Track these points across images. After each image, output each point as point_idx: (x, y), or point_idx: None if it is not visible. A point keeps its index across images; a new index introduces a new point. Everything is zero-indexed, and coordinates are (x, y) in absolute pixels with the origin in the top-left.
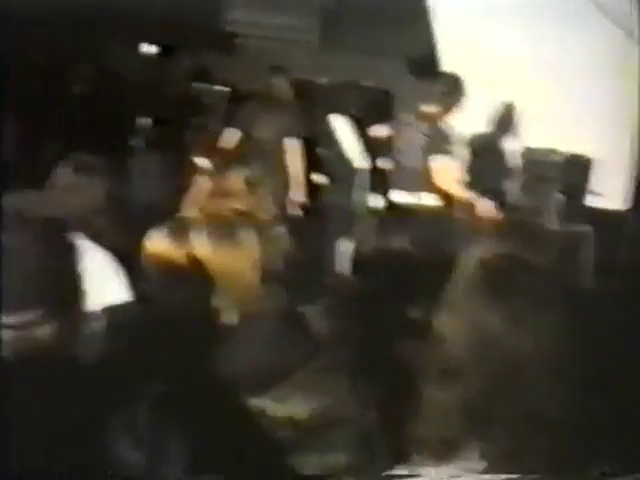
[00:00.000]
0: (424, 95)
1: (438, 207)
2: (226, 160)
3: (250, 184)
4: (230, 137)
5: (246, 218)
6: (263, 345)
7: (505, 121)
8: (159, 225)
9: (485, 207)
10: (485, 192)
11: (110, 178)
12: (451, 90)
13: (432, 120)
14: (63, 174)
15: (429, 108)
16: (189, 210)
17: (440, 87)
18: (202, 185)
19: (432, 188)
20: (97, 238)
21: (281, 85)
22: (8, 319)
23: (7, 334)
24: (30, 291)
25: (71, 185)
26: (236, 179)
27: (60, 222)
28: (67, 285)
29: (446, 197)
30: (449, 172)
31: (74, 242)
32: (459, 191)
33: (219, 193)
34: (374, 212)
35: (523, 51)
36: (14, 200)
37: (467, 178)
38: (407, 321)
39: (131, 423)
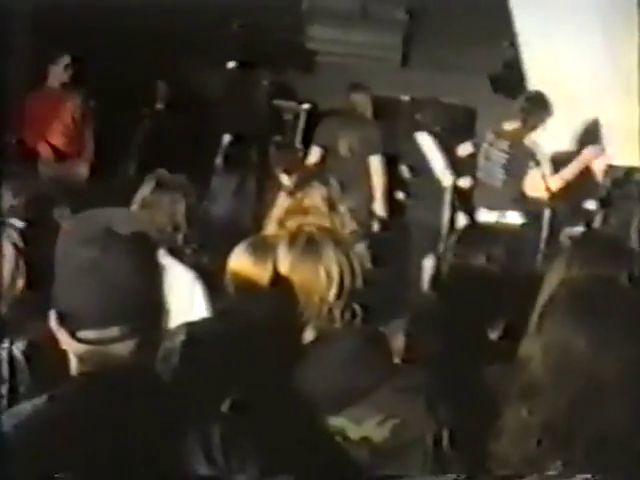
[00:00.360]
0: (507, 113)
1: (521, 224)
2: (306, 177)
3: (329, 201)
4: (311, 154)
5: (327, 234)
6: (341, 364)
7: (590, 138)
8: (242, 242)
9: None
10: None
11: (192, 195)
12: (535, 108)
13: (515, 138)
14: (147, 191)
15: (512, 126)
16: (270, 227)
17: (524, 105)
18: (281, 203)
19: (515, 205)
20: (179, 255)
21: (361, 101)
22: (87, 334)
23: (84, 349)
24: (113, 307)
25: (154, 202)
26: (315, 196)
27: (147, 238)
28: (151, 303)
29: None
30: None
31: (160, 259)
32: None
33: (298, 210)
34: (459, 230)
35: (606, 67)
36: (100, 215)
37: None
38: (488, 341)
39: (206, 440)
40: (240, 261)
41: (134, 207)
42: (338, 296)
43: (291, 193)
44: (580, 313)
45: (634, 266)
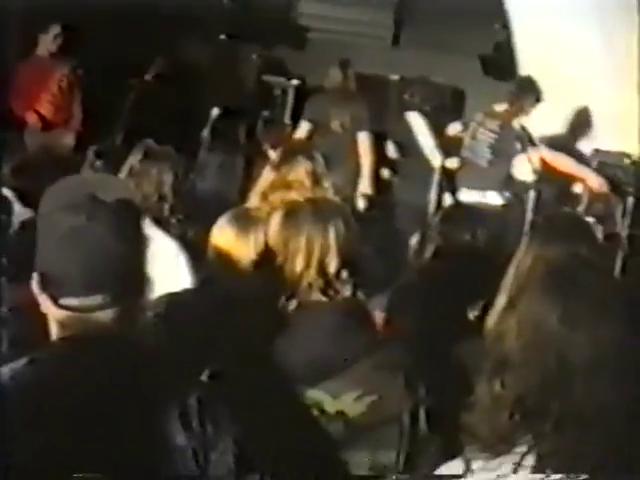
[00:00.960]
0: (496, 94)
1: (502, 206)
2: (292, 151)
3: (313, 176)
4: (300, 129)
5: (309, 205)
6: (321, 336)
7: (581, 124)
8: (225, 214)
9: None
10: None
11: (179, 166)
12: (526, 92)
13: (505, 119)
14: (134, 160)
15: (502, 107)
16: (253, 200)
17: (514, 89)
18: (265, 176)
19: (499, 186)
20: (164, 225)
21: (335, 76)
22: (69, 301)
23: (66, 315)
24: (95, 275)
25: (142, 171)
26: (300, 171)
27: (131, 205)
28: (133, 272)
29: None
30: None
31: (145, 228)
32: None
33: (282, 185)
34: (444, 209)
35: (600, 51)
36: (85, 181)
37: None
38: (466, 318)
39: (183, 408)
40: (223, 234)
41: (121, 175)
42: (318, 271)
43: (276, 167)
44: (553, 290)
45: (615, 250)
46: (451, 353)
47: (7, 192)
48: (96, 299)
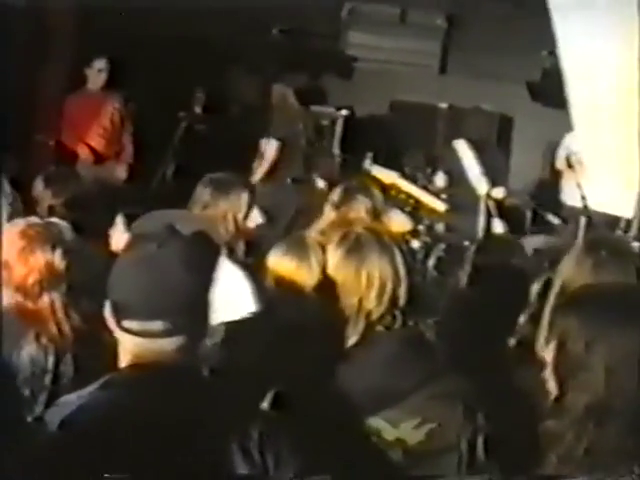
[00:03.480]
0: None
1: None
2: (351, 191)
3: (374, 212)
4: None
5: (374, 236)
6: (381, 366)
7: None
8: (279, 244)
9: None
10: None
11: (242, 196)
12: None
13: None
14: (202, 193)
15: None
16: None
17: None
18: (326, 215)
19: None
20: (230, 253)
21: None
22: (131, 324)
23: (132, 342)
24: (160, 301)
25: (209, 203)
26: (360, 209)
27: (208, 238)
28: (199, 303)
29: None
30: None
31: (217, 258)
32: None
33: (342, 223)
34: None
35: None
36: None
37: None
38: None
39: (244, 437)
40: (282, 261)
41: (192, 208)
42: (379, 301)
43: (336, 207)
44: (597, 320)
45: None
46: (508, 380)
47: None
48: (157, 325)
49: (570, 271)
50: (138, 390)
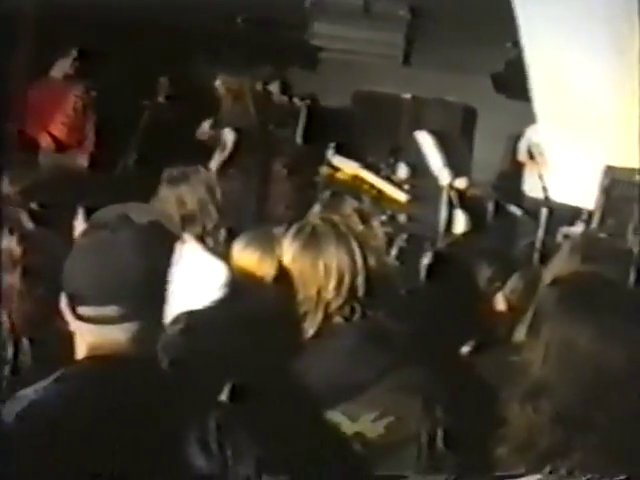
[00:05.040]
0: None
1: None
2: (340, 192)
3: (360, 214)
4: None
5: (331, 228)
6: (340, 359)
7: None
8: (244, 235)
9: None
10: None
11: (200, 188)
12: None
13: None
14: (165, 187)
15: None
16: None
17: None
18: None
19: None
20: (209, 245)
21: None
22: (86, 310)
23: (88, 331)
24: (113, 286)
25: (167, 196)
26: (347, 209)
27: (163, 228)
28: (153, 288)
29: None
30: None
31: (173, 246)
32: None
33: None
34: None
35: (611, 68)
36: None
37: None
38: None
39: (202, 429)
40: (244, 254)
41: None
42: (337, 292)
43: (324, 205)
44: (576, 311)
45: (631, 266)
46: (468, 373)
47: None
48: (111, 309)
49: (560, 266)
50: (93, 383)
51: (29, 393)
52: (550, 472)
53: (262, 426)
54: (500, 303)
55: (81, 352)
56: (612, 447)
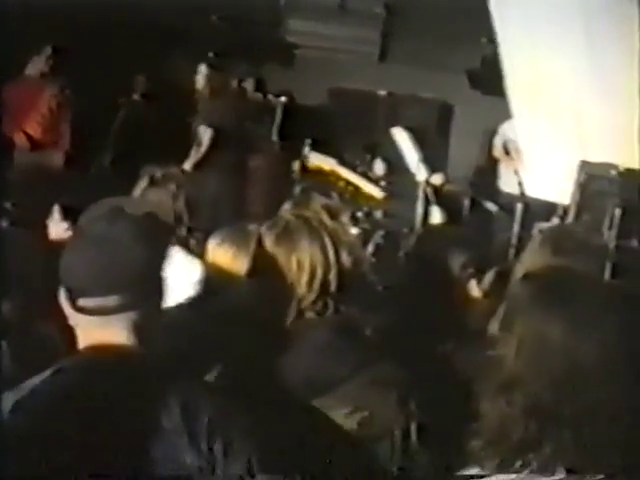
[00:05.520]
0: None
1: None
2: (310, 189)
3: (328, 210)
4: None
5: (303, 223)
6: (313, 354)
7: None
8: (220, 231)
9: None
10: None
11: (180, 187)
12: None
13: None
14: (139, 190)
15: None
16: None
17: None
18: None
19: None
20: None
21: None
22: (87, 301)
23: (83, 319)
24: (113, 276)
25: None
26: (316, 205)
27: (158, 219)
28: (151, 278)
29: None
30: None
31: (169, 237)
32: None
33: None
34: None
35: (586, 66)
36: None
37: None
38: (459, 334)
39: (189, 421)
40: (219, 252)
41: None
42: (309, 287)
43: (294, 202)
44: (551, 306)
45: (604, 260)
46: (442, 368)
47: None
48: (112, 300)
49: (532, 259)
50: (92, 373)
51: (30, 383)
52: (521, 465)
53: (250, 422)
54: (474, 289)
55: (80, 343)
56: (584, 440)
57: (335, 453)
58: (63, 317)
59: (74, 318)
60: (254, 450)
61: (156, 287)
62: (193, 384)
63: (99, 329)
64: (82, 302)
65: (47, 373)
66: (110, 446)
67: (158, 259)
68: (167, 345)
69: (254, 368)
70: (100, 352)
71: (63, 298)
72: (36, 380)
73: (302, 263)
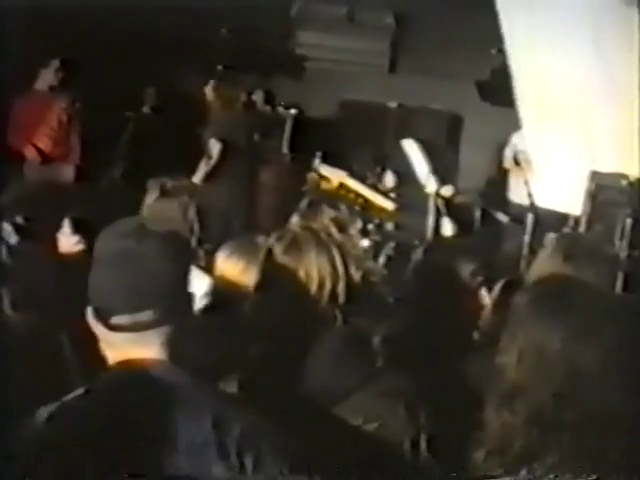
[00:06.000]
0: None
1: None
2: (318, 202)
3: (337, 223)
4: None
5: (311, 235)
6: (322, 366)
7: None
8: (229, 244)
9: None
10: None
11: (191, 198)
12: None
13: None
14: (150, 200)
15: None
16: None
17: None
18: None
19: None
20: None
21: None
22: (120, 319)
23: (117, 337)
24: (144, 292)
25: (161, 210)
26: (324, 219)
27: (181, 236)
28: (181, 290)
29: None
30: None
31: (190, 252)
32: None
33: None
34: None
35: (595, 77)
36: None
37: None
38: (469, 344)
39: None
40: (228, 264)
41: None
42: (317, 298)
43: (302, 216)
44: (548, 313)
45: (613, 270)
46: (451, 378)
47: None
48: (146, 315)
49: (542, 266)
50: (121, 388)
51: (65, 399)
52: (527, 473)
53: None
54: (485, 297)
55: (111, 360)
56: (586, 448)
57: (365, 463)
58: (76, 331)
59: (107, 336)
60: (284, 462)
61: (185, 301)
62: (224, 397)
63: (133, 345)
64: (115, 320)
65: (80, 391)
66: (139, 455)
67: (184, 274)
68: (197, 358)
69: (270, 380)
70: (133, 366)
71: (92, 318)
72: (70, 396)
73: (310, 275)
